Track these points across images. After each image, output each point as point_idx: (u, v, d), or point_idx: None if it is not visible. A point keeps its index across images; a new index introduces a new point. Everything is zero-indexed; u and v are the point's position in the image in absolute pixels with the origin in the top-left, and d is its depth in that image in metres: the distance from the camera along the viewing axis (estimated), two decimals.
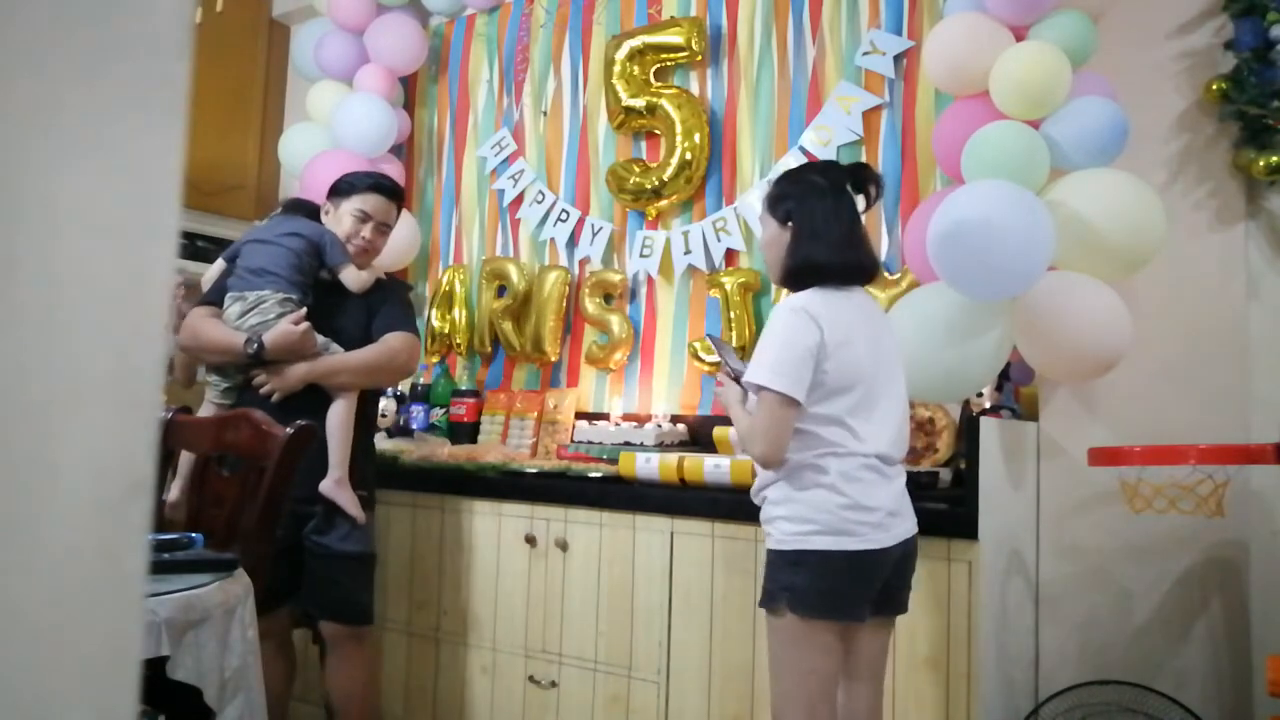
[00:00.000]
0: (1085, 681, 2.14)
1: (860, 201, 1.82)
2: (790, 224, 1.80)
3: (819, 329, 1.69)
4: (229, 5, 3.32)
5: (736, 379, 1.92)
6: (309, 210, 2.49)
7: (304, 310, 2.30)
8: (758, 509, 2.26)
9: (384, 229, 2.48)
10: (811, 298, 1.74)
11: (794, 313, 1.70)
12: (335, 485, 2.30)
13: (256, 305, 2.29)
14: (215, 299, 2.38)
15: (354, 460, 2.35)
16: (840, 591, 1.68)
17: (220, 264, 2.50)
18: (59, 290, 0.38)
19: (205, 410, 2.36)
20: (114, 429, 0.40)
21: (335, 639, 2.43)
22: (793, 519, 1.69)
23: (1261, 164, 2.33)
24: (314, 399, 2.30)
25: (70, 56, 0.38)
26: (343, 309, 2.39)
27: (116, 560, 0.40)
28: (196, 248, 3.81)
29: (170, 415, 2.22)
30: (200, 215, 3.78)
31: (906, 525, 1.77)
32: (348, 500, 2.31)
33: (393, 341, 2.38)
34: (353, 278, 2.39)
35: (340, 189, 2.47)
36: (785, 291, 2.64)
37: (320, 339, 2.32)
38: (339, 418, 2.31)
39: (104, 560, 0.40)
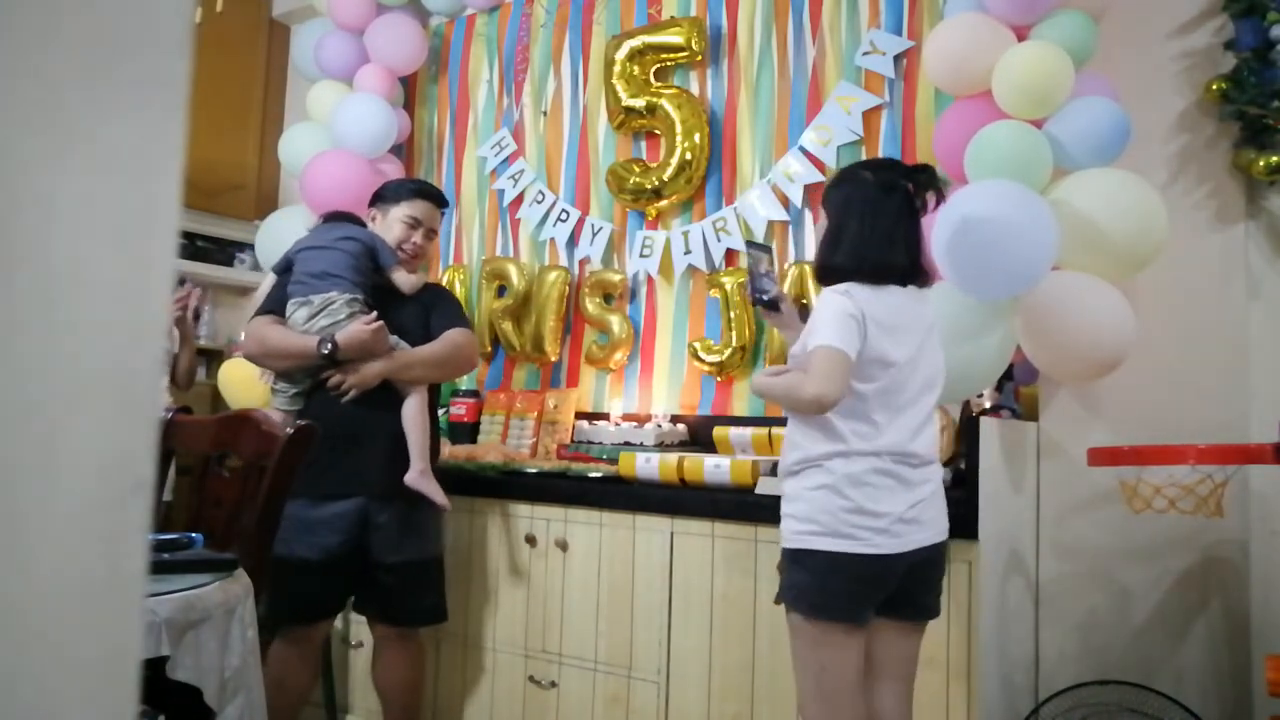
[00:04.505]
0: (1085, 681, 2.14)
1: (930, 200, 1.79)
2: (828, 220, 1.80)
3: (858, 308, 1.68)
4: (229, 5, 3.32)
5: (764, 303, 1.94)
6: (350, 219, 2.53)
7: (375, 312, 2.34)
8: (756, 508, 2.26)
9: (432, 234, 2.55)
10: (851, 285, 1.73)
11: (835, 293, 1.71)
12: (420, 476, 2.33)
13: (324, 308, 2.32)
14: (274, 308, 2.41)
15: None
16: (836, 592, 1.66)
17: (271, 277, 2.55)
18: (59, 290, 0.38)
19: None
20: (114, 429, 0.40)
21: (388, 636, 2.46)
22: (798, 517, 1.69)
23: (1261, 164, 2.33)
24: (385, 396, 2.34)
25: (70, 56, 0.38)
26: (402, 309, 2.43)
27: (116, 560, 0.40)
28: (196, 248, 3.82)
29: (170, 415, 2.22)
30: (200, 215, 3.78)
31: (927, 533, 1.72)
32: (433, 489, 2.35)
33: (456, 337, 2.45)
34: (404, 279, 2.45)
35: (385, 196, 2.53)
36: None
37: (391, 337, 2.36)
38: (415, 411, 2.36)
39: (104, 560, 0.40)
